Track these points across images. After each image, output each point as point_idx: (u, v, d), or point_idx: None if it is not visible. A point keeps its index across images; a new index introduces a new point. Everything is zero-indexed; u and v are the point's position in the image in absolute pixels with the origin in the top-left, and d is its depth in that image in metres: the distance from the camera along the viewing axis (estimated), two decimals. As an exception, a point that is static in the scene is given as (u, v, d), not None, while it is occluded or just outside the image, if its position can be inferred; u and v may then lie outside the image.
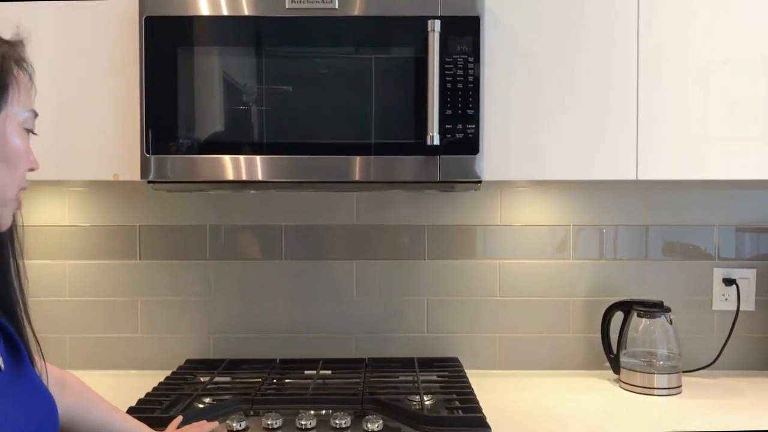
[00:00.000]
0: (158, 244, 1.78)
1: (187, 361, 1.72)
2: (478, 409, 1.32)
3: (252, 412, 1.36)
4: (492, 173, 1.44)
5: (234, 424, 1.27)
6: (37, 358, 0.89)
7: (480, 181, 1.42)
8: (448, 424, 1.27)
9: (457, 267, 1.78)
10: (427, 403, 1.39)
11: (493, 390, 1.56)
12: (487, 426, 1.25)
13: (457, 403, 1.41)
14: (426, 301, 1.79)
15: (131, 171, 1.45)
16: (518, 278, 1.78)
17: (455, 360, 1.72)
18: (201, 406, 1.39)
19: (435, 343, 1.78)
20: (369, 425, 1.27)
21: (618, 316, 1.68)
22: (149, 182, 1.43)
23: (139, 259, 1.78)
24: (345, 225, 1.78)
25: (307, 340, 1.78)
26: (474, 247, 1.78)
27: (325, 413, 1.35)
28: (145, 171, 1.41)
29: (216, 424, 1.24)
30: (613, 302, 1.69)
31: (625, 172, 1.48)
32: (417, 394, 1.43)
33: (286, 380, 1.60)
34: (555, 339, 1.78)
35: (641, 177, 1.48)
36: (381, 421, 1.28)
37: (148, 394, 1.44)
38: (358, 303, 1.78)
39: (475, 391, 1.45)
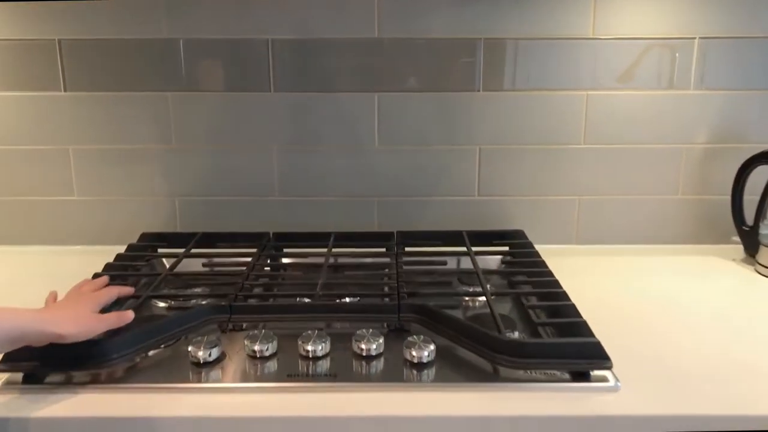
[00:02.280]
0: (90, 68, 1.22)
1: (143, 236, 1.22)
2: (586, 330, 0.83)
3: (230, 326, 0.90)
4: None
5: (200, 353, 0.81)
6: None
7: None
8: (541, 355, 0.79)
9: (523, 101, 1.23)
10: (499, 312, 0.91)
11: (573, 276, 1.07)
12: (606, 358, 0.78)
13: (544, 317, 0.92)
14: (478, 152, 1.26)
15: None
16: (612, 117, 1.24)
17: (520, 234, 1.23)
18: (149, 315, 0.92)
19: (490, 209, 1.28)
20: (414, 352, 0.80)
21: (759, 173, 1.16)
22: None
23: (64, 91, 1.23)
24: (361, 39, 1.20)
25: (311, 205, 1.28)
26: (551, 73, 1.22)
27: (340, 326, 0.91)
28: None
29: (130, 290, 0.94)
30: (755, 152, 1.16)
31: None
32: (480, 293, 0.96)
33: (283, 260, 1.14)
34: (659, 202, 1.27)
35: None
36: (432, 347, 0.81)
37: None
38: (381, 154, 1.26)
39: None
